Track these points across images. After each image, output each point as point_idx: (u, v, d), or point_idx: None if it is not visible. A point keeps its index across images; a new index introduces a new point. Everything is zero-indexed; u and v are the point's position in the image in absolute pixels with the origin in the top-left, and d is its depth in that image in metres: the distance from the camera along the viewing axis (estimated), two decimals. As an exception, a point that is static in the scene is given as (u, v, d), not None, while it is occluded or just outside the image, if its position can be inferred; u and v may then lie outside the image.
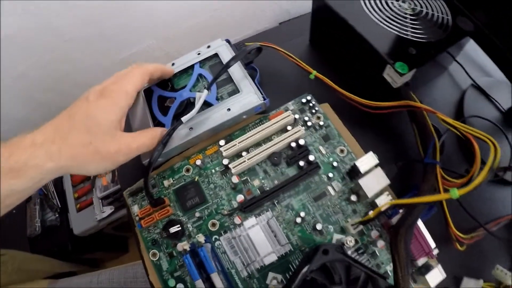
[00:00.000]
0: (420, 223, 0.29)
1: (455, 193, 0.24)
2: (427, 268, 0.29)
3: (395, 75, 0.30)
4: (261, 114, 0.35)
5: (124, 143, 0.27)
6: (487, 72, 0.43)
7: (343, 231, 0.31)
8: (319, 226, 0.30)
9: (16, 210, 0.65)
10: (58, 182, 0.69)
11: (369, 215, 0.28)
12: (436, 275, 0.29)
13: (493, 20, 0.34)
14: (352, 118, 0.35)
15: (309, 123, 0.35)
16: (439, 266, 0.29)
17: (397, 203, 0.28)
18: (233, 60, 0.34)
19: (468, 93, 0.39)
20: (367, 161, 0.30)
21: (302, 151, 0.32)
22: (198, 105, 0.32)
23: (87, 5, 0.51)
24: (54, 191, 0.67)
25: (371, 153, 0.30)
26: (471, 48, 0.41)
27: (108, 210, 0.61)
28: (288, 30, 0.47)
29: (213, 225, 0.31)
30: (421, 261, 0.29)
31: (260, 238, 0.29)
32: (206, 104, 0.34)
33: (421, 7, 0.36)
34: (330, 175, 0.32)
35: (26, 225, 0.64)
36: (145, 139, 0.29)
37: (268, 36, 0.43)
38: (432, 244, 0.29)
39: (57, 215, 0.64)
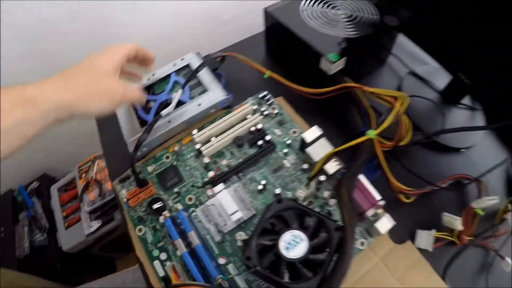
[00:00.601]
0: (364, 179, 0.40)
1: (372, 133, 0.36)
2: (376, 218, 0.40)
3: (328, 64, 0.44)
4: (226, 109, 0.49)
5: (120, 85, 0.38)
6: (425, 61, 0.57)
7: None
8: (277, 191, 0.42)
9: (5, 233, 0.76)
10: (46, 203, 0.80)
11: (313, 171, 0.40)
12: (385, 223, 0.39)
13: (415, 15, 0.49)
14: (303, 106, 0.48)
15: (266, 113, 0.48)
16: (387, 215, 0.40)
17: (331, 153, 0.40)
18: (201, 66, 0.48)
19: (405, 80, 0.54)
20: (312, 133, 0.42)
21: (260, 133, 0.45)
22: (174, 101, 0.46)
23: (75, 28, 0.67)
24: (43, 212, 0.78)
25: (315, 127, 0.43)
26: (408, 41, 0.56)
27: (96, 224, 0.72)
28: (249, 44, 0.63)
29: (190, 199, 0.43)
30: (370, 213, 0.39)
31: (227, 200, 0.40)
32: (181, 103, 0.48)
33: (353, 11, 0.51)
34: (285, 150, 0.45)
35: (15, 247, 0.74)
36: (136, 90, 0.41)
37: (232, 49, 0.58)
38: (377, 196, 0.39)
39: (45, 235, 0.75)
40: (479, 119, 0.53)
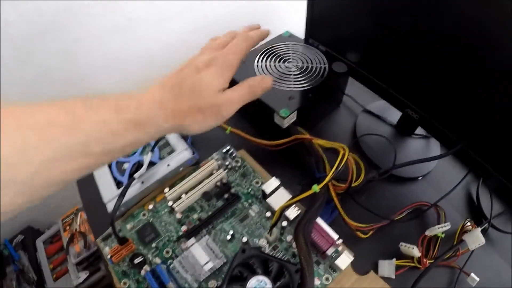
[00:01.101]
0: (321, 222, 0.51)
1: (315, 187, 0.47)
2: (337, 255, 0.50)
3: (280, 119, 0.55)
4: (194, 165, 0.60)
5: (225, 97, 0.38)
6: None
7: (267, 240, 0.53)
8: (244, 239, 0.53)
9: (-7, 289, 0.87)
10: (32, 256, 0.91)
11: (272, 220, 0.51)
12: (344, 259, 0.50)
13: (363, 59, 0.60)
14: (264, 157, 0.60)
15: (229, 166, 0.60)
16: (346, 251, 0.51)
17: (284, 206, 0.50)
18: (168, 126, 0.59)
19: (359, 118, 0.65)
20: (271, 184, 0.53)
21: (226, 187, 0.57)
22: (145, 164, 0.57)
23: (49, 87, 0.78)
24: (30, 265, 0.88)
25: (273, 178, 0.54)
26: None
27: (84, 275, 0.82)
28: None
29: (167, 252, 0.54)
30: (330, 251, 0.50)
31: (199, 252, 0.51)
32: (152, 163, 0.59)
33: (303, 63, 0.62)
34: (250, 201, 0.56)
35: (4, 302, 0.84)
36: (246, 88, 0.41)
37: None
38: (335, 236, 0.50)
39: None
40: (435, 146, 0.65)
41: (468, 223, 0.54)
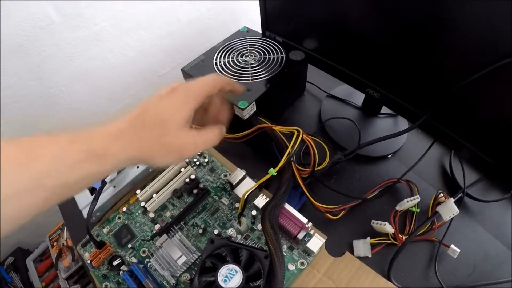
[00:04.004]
0: (289, 207, 0.54)
1: (272, 171, 0.50)
2: (309, 239, 0.53)
3: (240, 111, 0.59)
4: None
5: (190, 137, 0.38)
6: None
7: (238, 231, 0.57)
8: (216, 231, 0.56)
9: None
10: (24, 276, 0.94)
11: (239, 209, 0.55)
12: (316, 241, 0.53)
13: (319, 45, 0.64)
14: (232, 150, 0.63)
15: (198, 163, 0.63)
16: (316, 234, 0.53)
17: (246, 192, 0.54)
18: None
19: (324, 103, 0.69)
20: (236, 175, 0.57)
21: (195, 183, 0.60)
22: (115, 169, 0.61)
23: (22, 106, 0.82)
24: (22, 287, 0.92)
25: (238, 169, 0.57)
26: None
27: (75, 289, 0.86)
28: None
29: (143, 252, 0.57)
30: (301, 235, 0.52)
31: (171, 248, 0.54)
32: (123, 167, 0.62)
33: (261, 55, 0.66)
34: (219, 194, 0.59)
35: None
36: (210, 134, 0.42)
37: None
38: (304, 220, 0.52)
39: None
40: (403, 124, 0.68)
41: (441, 195, 0.57)
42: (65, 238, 0.90)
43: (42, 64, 0.79)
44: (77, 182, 0.31)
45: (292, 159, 0.56)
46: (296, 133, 0.53)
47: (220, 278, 0.46)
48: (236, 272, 0.47)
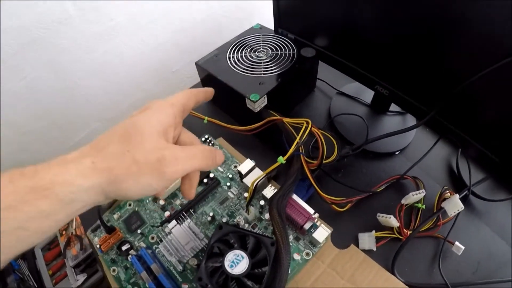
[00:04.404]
0: (296, 198, 0.55)
1: (281, 159, 0.51)
2: (314, 228, 0.54)
3: (251, 103, 0.60)
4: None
5: (171, 149, 0.30)
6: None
7: (246, 220, 0.58)
8: (224, 220, 0.57)
9: (-5, 300, 0.91)
10: (31, 264, 0.95)
11: (247, 197, 0.56)
12: (322, 232, 0.53)
13: (330, 42, 0.65)
14: (242, 142, 0.64)
15: (209, 152, 0.64)
16: (322, 225, 0.54)
17: (255, 180, 0.55)
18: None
19: (334, 100, 0.70)
20: (246, 165, 0.58)
21: (205, 173, 0.61)
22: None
23: (37, 97, 0.84)
24: (29, 274, 0.93)
25: (248, 160, 0.58)
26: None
27: (82, 277, 0.87)
28: None
29: (152, 238, 0.58)
30: (308, 225, 0.53)
31: (181, 233, 0.55)
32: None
33: (273, 51, 0.67)
34: (228, 184, 0.60)
35: (6, 312, 0.89)
36: (195, 150, 0.33)
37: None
38: (311, 210, 0.53)
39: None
40: (411, 121, 0.68)
41: (447, 191, 0.57)
42: (74, 227, 0.91)
43: (58, 57, 0.81)
44: (20, 227, 0.25)
45: (300, 151, 0.57)
46: (305, 124, 0.54)
47: (226, 263, 0.47)
48: (243, 258, 0.48)
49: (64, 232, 0.92)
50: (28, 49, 0.76)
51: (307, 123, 0.54)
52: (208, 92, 0.43)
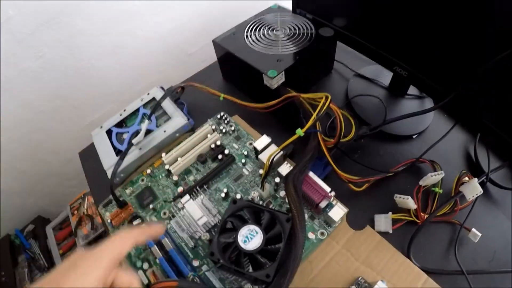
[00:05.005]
0: (313, 175, 0.53)
1: (299, 131, 0.50)
2: (330, 207, 0.52)
3: (269, 80, 0.59)
4: (190, 132, 0.64)
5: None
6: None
7: (261, 197, 0.56)
8: (238, 196, 0.55)
9: (5, 277, 0.91)
10: (42, 243, 0.95)
11: (263, 171, 0.54)
12: (337, 211, 0.51)
13: (348, 22, 0.63)
14: (258, 120, 0.63)
15: (224, 130, 0.63)
16: (339, 203, 0.52)
17: (272, 154, 0.53)
18: (162, 98, 0.64)
19: (351, 81, 0.68)
20: (262, 141, 0.56)
21: (220, 149, 0.60)
22: (143, 130, 0.61)
23: (52, 77, 0.84)
24: (40, 253, 0.93)
25: (264, 136, 0.57)
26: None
27: (92, 257, 0.86)
28: (208, 72, 0.80)
29: (164, 213, 0.57)
30: (323, 204, 0.51)
31: (194, 208, 0.54)
32: (150, 131, 0.63)
33: (291, 30, 0.66)
34: (243, 161, 0.59)
35: (16, 288, 0.89)
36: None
37: (194, 79, 0.73)
38: (327, 188, 0.51)
39: (45, 275, 0.89)
40: (429, 105, 0.66)
41: (466, 176, 0.55)
42: (85, 207, 0.91)
43: (74, 37, 0.81)
44: None
45: (318, 129, 0.55)
46: (324, 98, 0.53)
47: (240, 239, 0.46)
48: (257, 233, 0.46)
49: (75, 212, 0.92)
50: (44, 29, 0.76)
51: (326, 97, 0.52)
52: (157, 233, 0.41)
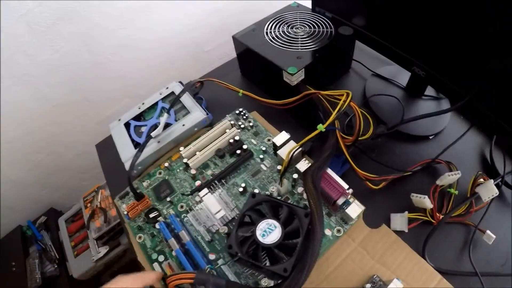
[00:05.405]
0: (331, 172, 0.53)
1: (321, 127, 0.50)
2: (347, 205, 0.52)
3: (289, 76, 0.59)
4: (209, 126, 0.64)
5: None
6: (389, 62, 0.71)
7: (278, 193, 0.56)
8: (256, 191, 0.56)
9: (16, 268, 0.92)
10: (54, 235, 0.96)
11: (281, 168, 0.54)
12: (355, 208, 0.51)
13: (367, 22, 0.64)
14: (276, 116, 0.63)
15: (242, 126, 0.63)
16: (356, 201, 0.52)
17: (292, 149, 0.53)
18: (182, 92, 0.64)
19: (369, 81, 0.68)
20: (281, 137, 0.56)
21: (238, 144, 0.60)
22: (161, 123, 0.61)
23: (69, 71, 0.84)
24: (52, 245, 0.93)
25: (283, 132, 0.57)
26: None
27: (104, 249, 0.87)
28: (227, 68, 0.81)
29: (181, 207, 0.57)
30: (341, 201, 0.51)
31: (211, 202, 0.54)
32: (168, 125, 0.63)
33: (310, 28, 0.66)
34: (261, 156, 0.59)
35: (27, 279, 0.89)
36: None
37: (213, 75, 0.73)
38: (345, 185, 0.51)
39: (56, 266, 0.90)
40: (446, 106, 0.66)
41: (482, 177, 0.55)
42: (99, 200, 0.91)
43: (92, 31, 0.82)
44: None
45: (336, 126, 0.55)
46: (345, 95, 0.53)
47: (258, 232, 0.46)
48: (275, 227, 0.46)
49: (89, 205, 0.93)
50: (61, 23, 0.77)
51: (347, 94, 0.52)
52: (151, 280, 0.43)
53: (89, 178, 1.06)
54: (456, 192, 0.55)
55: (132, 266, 0.78)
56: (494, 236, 0.50)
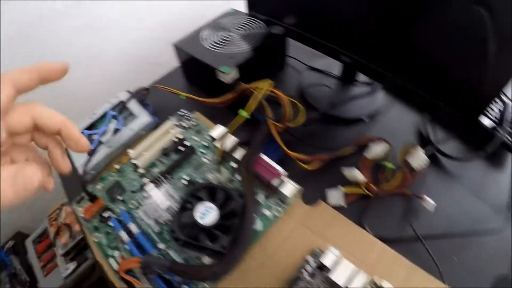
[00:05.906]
0: (265, 157, 0.57)
1: (242, 112, 0.56)
2: (281, 185, 0.56)
3: (223, 75, 0.65)
4: (155, 129, 0.70)
5: None
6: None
7: (218, 181, 0.61)
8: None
9: (-12, 296, 0.94)
10: (23, 258, 0.98)
11: (217, 155, 0.60)
12: (289, 187, 0.55)
13: (297, 21, 0.71)
14: (219, 116, 0.68)
15: (186, 126, 0.69)
16: (291, 181, 0.56)
17: (220, 135, 0.59)
18: (128, 99, 0.70)
19: (304, 74, 0.75)
20: (217, 130, 0.62)
21: (181, 141, 0.65)
22: (110, 129, 0.67)
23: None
24: (21, 268, 0.96)
25: (218, 125, 0.62)
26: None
27: (72, 266, 0.89)
28: (173, 75, 0.88)
29: (132, 204, 0.62)
30: (276, 183, 0.55)
31: (157, 195, 0.58)
32: (118, 130, 0.69)
33: (245, 31, 0.73)
34: (203, 151, 0.64)
35: (-1, 307, 0.91)
36: (28, 171, 0.27)
37: (160, 83, 0.79)
38: (278, 168, 0.55)
39: (27, 289, 0.92)
40: (379, 92, 0.73)
41: (413, 148, 0.58)
42: (63, 217, 0.95)
43: (40, 51, 0.85)
44: None
45: (267, 115, 0.61)
46: (267, 84, 0.60)
47: (197, 215, 0.50)
48: (212, 209, 0.51)
49: (54, 223, 0.96)
50: (11, 44, 0.80)
51: (270, 84, 0.59)
52: (52, 71, 0.31)
53: (54, 197, 1.07)
54: (392, 165, 0.59)
55: (101, 283, 0.81)
56: (434, 203, 0.54)
